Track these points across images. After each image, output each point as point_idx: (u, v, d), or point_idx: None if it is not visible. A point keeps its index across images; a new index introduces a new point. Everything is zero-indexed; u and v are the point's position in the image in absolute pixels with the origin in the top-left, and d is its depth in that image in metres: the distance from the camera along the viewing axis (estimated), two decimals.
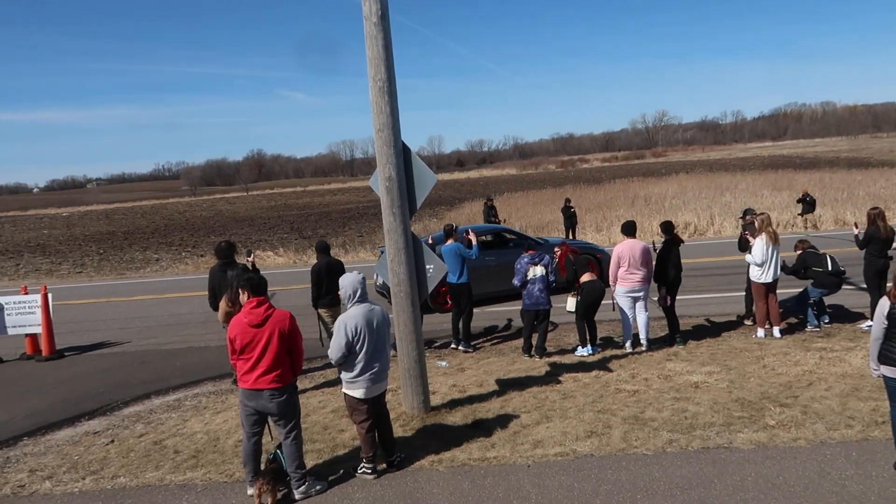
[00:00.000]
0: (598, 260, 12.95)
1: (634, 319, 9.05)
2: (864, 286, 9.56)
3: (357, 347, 5.40)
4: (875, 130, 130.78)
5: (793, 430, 5.88)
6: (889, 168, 41.24)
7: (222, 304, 7.42)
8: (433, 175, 6.97)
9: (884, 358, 5.06)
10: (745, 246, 9.66)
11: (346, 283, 5.55)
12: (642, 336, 9.03)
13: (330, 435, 6.62)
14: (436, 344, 10.13)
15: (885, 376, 5.09)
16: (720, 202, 28.24)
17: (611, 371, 7.99)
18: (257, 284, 5.30)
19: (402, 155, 6.74)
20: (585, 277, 9.08)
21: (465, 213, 34.11)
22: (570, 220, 21.92)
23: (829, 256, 9.45)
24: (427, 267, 7.05)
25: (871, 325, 5.63)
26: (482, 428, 6.42)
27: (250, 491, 5.32)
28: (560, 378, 7.83)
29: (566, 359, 8.76)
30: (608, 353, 8.89)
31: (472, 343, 9.83)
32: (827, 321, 9.53)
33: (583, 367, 8.24)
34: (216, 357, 10.00)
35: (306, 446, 6.12)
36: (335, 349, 5.38)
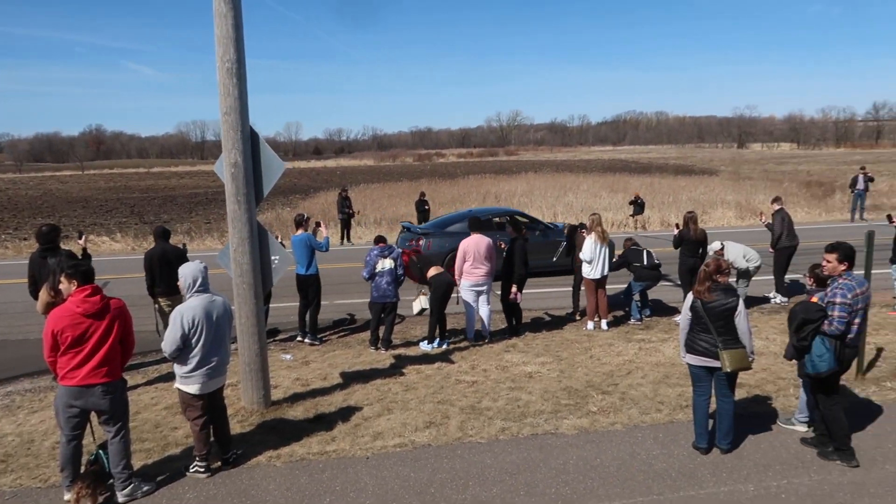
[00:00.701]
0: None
1: (478, 312, 9.43)
2: (680, 283, 10.61)
3: (193, 341, 5.18)
4: (699, 141, 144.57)
5: (611, 415, 6.43)
6: (708, 176, 45.76)
7: (42, 294, 6.82)
8: (281, 163, 6.83)
9: (688, 347, 5.67)
10: (570, 249, 10.42)
11: (186, 272, 5.32)
12: (485, 328, 9.42)
13: (161, 433, 6.31)
14: (280, 336, 9.94)
15: (688, 363, 5.71)
16: (564, 201, 29.95)
17: (453, 363, 8.27)
18: (87, 271, 4.93)
19: (250, 140, 6.55)
20: (432, 272, 9.31)
21: (320, 202, 33.57)
22: (424, 213, 22.28)
23: (647, 251, 10.35)
24: (272, 258, 6.91)
25: None
26: (323, 421, 6.42)
27: (67, 496, 4.95)
28: (404, 370, 7.99)
29: (411, 351, 8.95)
30: (452, 345, 9.19)
31: (319, 336, 9.75)
32: (649, 314, 10.47)
33: (427, 359, 8.46)
34: (34, 351, 9.12)
35: (135, 446, 5.79)
36: (169, 342, 5.13)
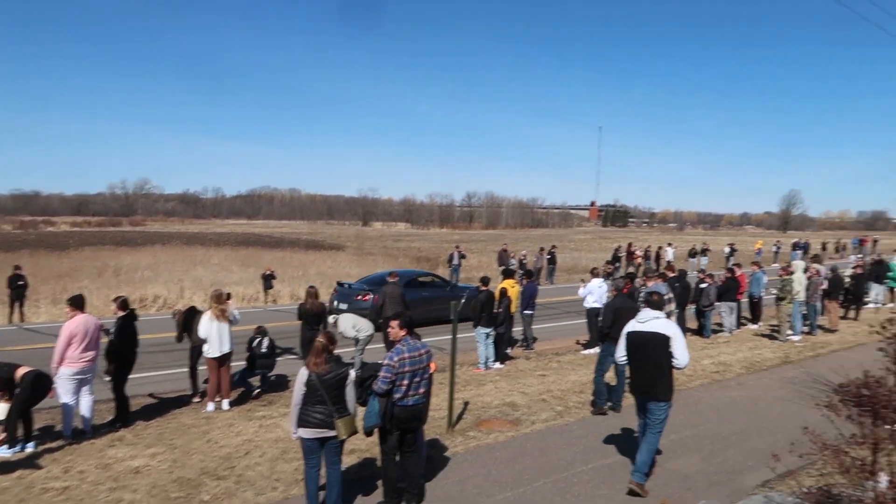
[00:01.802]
0: None
1: (77, 404, 8.28)
2: (302, 355, 10.93)
3: None
4: (329, 217, 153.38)
5: (225, 501, 6.20)
6: (336, 251, 48.64)
7: None
8: None
9: (301, 421, 5.79)
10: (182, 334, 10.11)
11: None
12: (86, 421, 8.30)
13: None
14: None
15: (301, 437, 5.82)
16: (192, 275, 28.60)
17: (40, 468, 7.06)
18: None
19: None
20: (21, 371, 7.89)
21: None
22: (18, 290, 18.99)
23: (267, 339, 10.47)
24: None
25: None
26: None
27: None
28: None
29: None
30: (41, 447, 7.85)
31: None
32: (258, 391, 10.38)
33: (4, 467, 7.06)
34: None
35: None
36: None
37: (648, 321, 6.57)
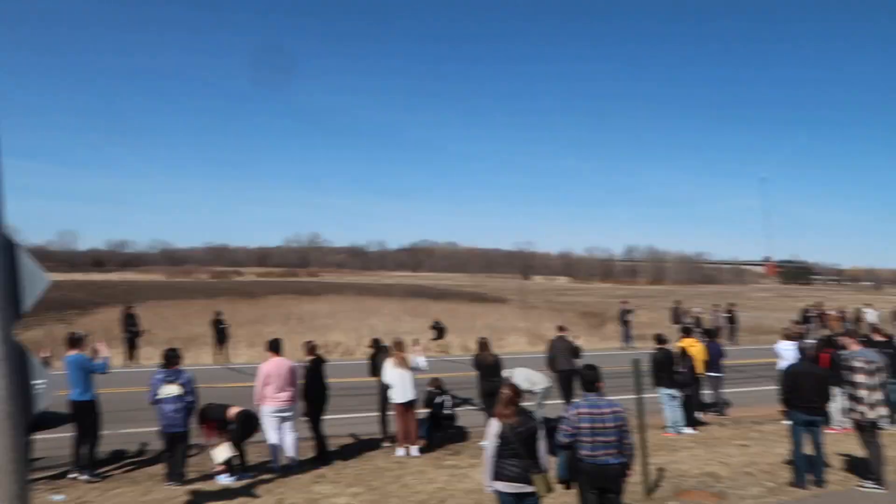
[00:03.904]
0: None
1: (282, 440, 8.85)
2: (483, 406, 10.94)
3: None
4: (489, 270, 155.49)
5: None
6: (500, 303, 48.99)
7: None
8: (45, 277, 6.09)
9: (497, 474, 5.69)
10: (375, 370, 10.42)
11: None
12: (290, 456, 8.83)
13: None
14: (49, 474, 8.48)
15: (497, 490, 5.72)
16: (368, 324, 30.08)
17: (257, 497, 7.60)
18: None
19: (7, 251, 5.78)
20: (234, 410, 8.66)
21: (101, 319, 30.38)
22: (221, 333, 21.01)
23: (450, 397, 10.67)
24: (37, 382, 5.98)
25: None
26: None
27: None
28: None
29: (209, 486, 8.09)
30: (256, 478, 8.45)
31: (98, 471, 8.47)
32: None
33: (227, 494, 7.70)
34: None
35: None
36: None
37: None
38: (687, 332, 13.51)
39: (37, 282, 5.97)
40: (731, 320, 28.65)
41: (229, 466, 8.30)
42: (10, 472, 5.64)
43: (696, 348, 12.47)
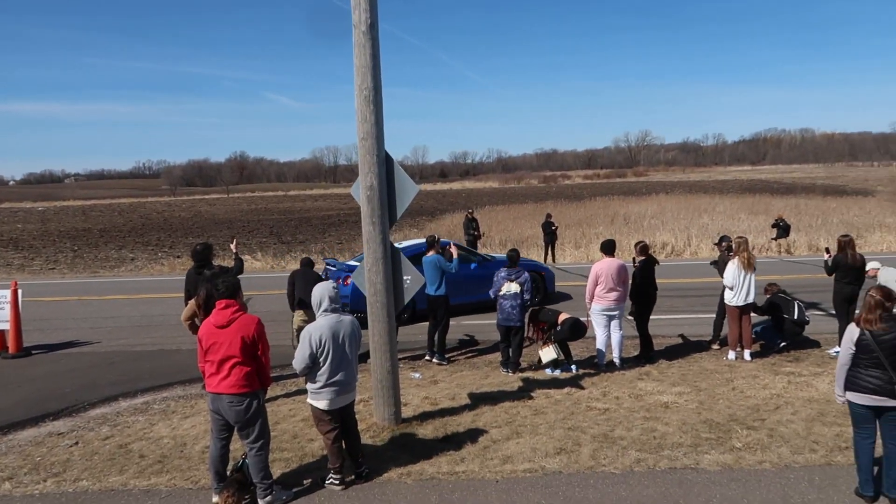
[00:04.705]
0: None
1: (609, 337, 9.12)
2: (833, 312, 9.72)
3: (321, 359, 5.37)
4: (851, 159, 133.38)
5: (758, 453, 5.95)
6: (863, 197, 42.09)
7: (188, 306, 7.35)
8: (415, 186, 6.98)
9: (850, 384, 5.14)
10: (722, 269, 9.77)
11: (316, 293, 5.55)
12: (616, 354, 9.09)
13: (299, 444, 6.56)
14: (408, 356, 10.12)
15: (850, 402, 5.18)
16: (698, 223, 28.59)
17: (582, 388, 8.03)
18: (231, 286, 5.28)
19: (385, 164, 6.76)
20: (563, 317, 9.13)
21: (447, 224, 34.17)
22: (551, 235, 22.03)
23: (798, 304, 9.61)
24: (404, 278, 7.05)
25: (838, 351, 5.71)
26: (452, 441, 6.41)
27: (215, 499, 5.26)
28: (532, 394, 7.85)
29: (539, 375, 8.79)
30: (581, 370, 8.94)
31: (447, 356, 9.83)
32: (784, 344, 9.63)
33: (555, 383, 8.27)
34: (187, 360, 9.88)
35: (274, 455, 6.07)
36: (298, 360, 5.37)
37: None
38: None
39: (408, 191, 6.99)
40: None
41: (555, 362, 8.88)
42: (385, 352, 6.91)
43: None
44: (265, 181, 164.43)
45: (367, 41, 6.46)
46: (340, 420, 5.57)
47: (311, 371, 5.42)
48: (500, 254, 14.89)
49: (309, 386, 5.52)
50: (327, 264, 13.33)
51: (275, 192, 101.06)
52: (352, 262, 12.88)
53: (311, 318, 8.29)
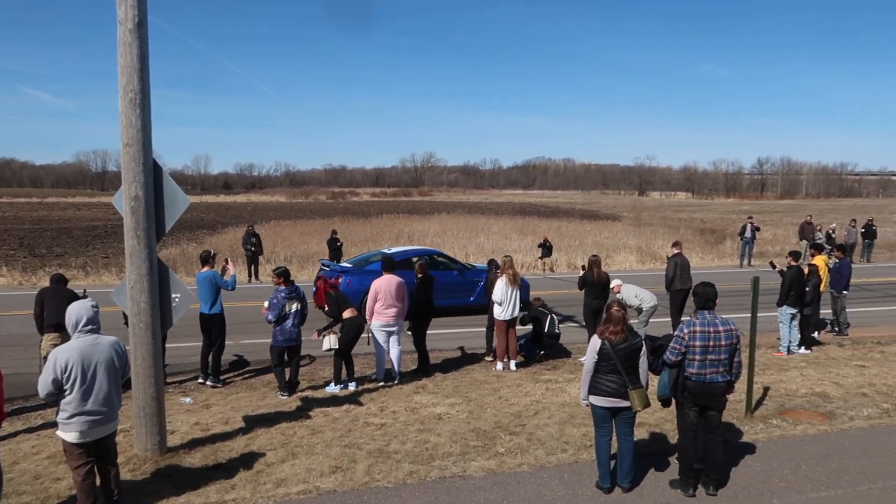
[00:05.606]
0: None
1: (388, 353, 9.33)
2: (584, 324, 10.94)
3: (68, 386, 4.78)
4: (603, 187, 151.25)
5: (518, 456, 6.47)
6: (612, 221, 47.79)
7: None
8: (186, 198, 6.61)
9: (593, 388, 5.78)
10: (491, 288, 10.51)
11: (72, 312, 4.98)
12: (395, 369, 9.33)
13: (42, 485, 5.82)
14: (179, 379, 9.47)
15: (592, 404, 5.83)
16: (476, 242, 30.43)
17: (361, 405, 8.12)
18: None
19: (153, 173, 6.31)
20: (348, 314, 9.14)
21: (228, 238, 32.58)
22: (336, 252, 22.03)
23: (552, 317, 10.64)
24: (173, 296, 6.62)
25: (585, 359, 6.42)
26: (223, 469, 6.12)
27: None
28: (310, 413, 7.77)
29: (318, 394, 8.72)
30: (361, 387, 9.03)
31: (222, 377, 9.35)
32: (542, 353, 10.65)
33: (334, 401, 8.27)
34: None
35: (10, 500, 5.33)
36: (42, 386, 4.77)
37: None
38: (819, 249, 13.05)
39: (178, 203, 6.54)
40: (868, 235, 26.48)
41: (336, 376, 8.89)
42: (149, 376, 6.39)
43: (825, 268, 11.97)
44: (16, 186, 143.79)
45: (133, 40, 6.02)
46: (96, 454, 5.03)
47: (56, 399, 4.83)
48: (481, 263, 16.49)
49: (58, 416, 4.91)
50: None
51: (27, 199, 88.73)
52: (345, 264, 14.81)
53: (65, 340, 7.43)
